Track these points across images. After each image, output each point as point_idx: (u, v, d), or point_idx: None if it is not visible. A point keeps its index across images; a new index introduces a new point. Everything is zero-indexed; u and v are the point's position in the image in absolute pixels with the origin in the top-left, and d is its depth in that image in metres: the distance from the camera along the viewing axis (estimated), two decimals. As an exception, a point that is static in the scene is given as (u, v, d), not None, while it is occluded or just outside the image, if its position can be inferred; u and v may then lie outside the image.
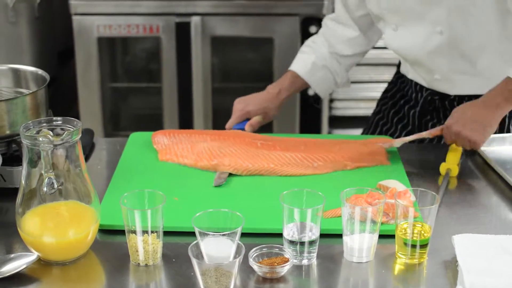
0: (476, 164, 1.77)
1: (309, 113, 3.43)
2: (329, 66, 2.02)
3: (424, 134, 1.76)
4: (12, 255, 1.31)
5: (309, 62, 2.00)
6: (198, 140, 1.78)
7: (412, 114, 2.00)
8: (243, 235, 1.30)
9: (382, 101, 2.13)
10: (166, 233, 1.36)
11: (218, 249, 1.26)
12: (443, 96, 1.91)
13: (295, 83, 2.01)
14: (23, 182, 1.31)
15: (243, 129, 1.91)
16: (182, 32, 3.19)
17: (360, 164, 1.69)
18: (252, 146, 1.75)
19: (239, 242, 1.25)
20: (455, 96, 1.88)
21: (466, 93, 1.87)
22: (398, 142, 1.76)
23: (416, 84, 1.96)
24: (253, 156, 1.70)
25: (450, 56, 1.81)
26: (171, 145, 1.76)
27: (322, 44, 2.02)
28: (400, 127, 2.05)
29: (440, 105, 1.92)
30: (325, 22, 2.06)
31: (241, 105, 1.96)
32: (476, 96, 1.81)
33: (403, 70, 2.02)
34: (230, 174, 1.65)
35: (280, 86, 2.00)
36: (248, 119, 1.95)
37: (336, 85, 2.08)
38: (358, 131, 3.34)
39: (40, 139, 1.26)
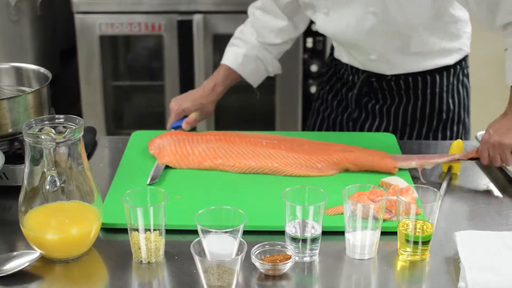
0: (478, 160, 1.77)
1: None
2: (260, 56, 2.02)
3: (458, 156, 1.66)
4: (15, 253, 1.31)
5: (241, 54, 2.00)
6: (200, 141, 1.77)
7: (350, 97, 2.02)
8: (246, 232, 1.30)
9: (320, 86, 2.15)
10: (169, 231, 1.36)
11: (220, 246, 1.26)
12: (380, 77, 1.92)
13: (229, 76, 2.01)
14: (25, 180, 1.32)
15: (180, 127, 1.90)
16: (184, 30, 3.19)
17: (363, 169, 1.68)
18: (257, 145, 1.75)
19: (242, 239, 1.25)
20: (391, 76, 1.90)
21: (402, 72, 1.90)
22: (430, 164, 1.65)
23: (352, 67, 1.97)
24: (257, 155, 1.70)
25: (385, 36, 1.82)
26: (168, 147, 1.74)
27: (251, 34, 2.02)
28: (341, 111, 2.06)
29: (377, 86, 1.94)
30: (252, 11, 2.05)
31: (176, 103, 1.95)
32: (413, 74, 1.89)
33: (337, 54, 2.02)
34: (232, 173, 1.66)
35: (214, 81, 2.00)
36: (186, 117, 1.94)
37: (268, 73, 2.08)
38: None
39: (43, 137, 1.26)
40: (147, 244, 1.31)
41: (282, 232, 1.36)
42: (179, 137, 1.78)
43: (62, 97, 3.21)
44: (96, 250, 1.37)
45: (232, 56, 2.01)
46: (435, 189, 1.37)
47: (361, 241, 1.33)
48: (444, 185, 1.62)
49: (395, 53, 1.86)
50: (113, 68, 3.48)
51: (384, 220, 1.40)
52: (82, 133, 1.31)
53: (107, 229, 1.43)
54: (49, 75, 1.69)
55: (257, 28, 2.01)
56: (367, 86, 1.95)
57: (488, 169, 1.73)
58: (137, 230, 1.30)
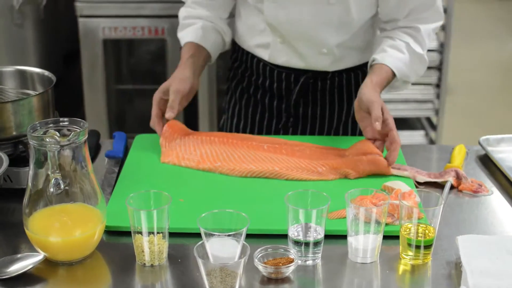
0: (481, 165, 1.78)
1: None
2: (216, 27, 1.96)
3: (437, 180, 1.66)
4: (19, 255, 1.32)
5: (198, 28, 1.92)
6: (205, 142, 1.78)
7: (277, 106, 2.00)
8: (249, 236, 1.30)
9: (234, 106, 2.07)
10: (172, 234, 1.37)
11: (223, 249, 1.26)
12: (317, 77, 1.93)
13: (195, 55, 1.89)
14: (30, 182, 1.32)
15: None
16: (187, 34, 3.19)
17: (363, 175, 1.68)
18: (258, 150, 1.76)
19: (244, 242, 1.26)
20: (332, 75, 1.93)
21: (345, 66, 1.93)
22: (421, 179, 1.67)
23: (288, 73, 1.93)
24: (258, 159, 1.71)
25: (339, 28, 1.83)
26: (174, 146, 1.76)
27: (200, 9, 1.96)
28: (267, 121, 2.04)
29: (312, 89, 1.95)
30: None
31: (179, 87, 1.80)
32: (347, 70, 1.94)
33: (273, 56, 1.92)
34: (235, 176, 1.66)
35: (189, 66, 1.86)
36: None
37: (224, 44, 2.01)
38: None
39: (47, 139, 1.27)
40: (150, 247, 1.31)
41: (284, 236, 1.36)
42: (188, 138, 1.79)
43: (65, 100, 3.21)
44: (99, 253, 1.38)
45: (190, 34, 1.93)
46: (437, 193, 1.37)
47: (364, 245, 1.34)
48: (446, 189, 1.62)
49: (344, 48, 1.88)
50: (116, 71, 3.49)
51: (387, 224, 1.41)
52: (86, 136, 1.32)
53: (110, 232, 1.43)
54: (53, 78, 1.70)
55: (203, 5, 1.96)
56: (305, 90, 1.95)
57: (491, 173, 1.73)
58: (140, 233, 1.31)
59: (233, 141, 1.78)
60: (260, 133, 2.04)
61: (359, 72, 1.96)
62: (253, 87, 2.02)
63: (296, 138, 1.87)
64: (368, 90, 1.70)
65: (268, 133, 2.03)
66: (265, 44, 1.92)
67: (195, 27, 1.94)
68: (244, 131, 2.06)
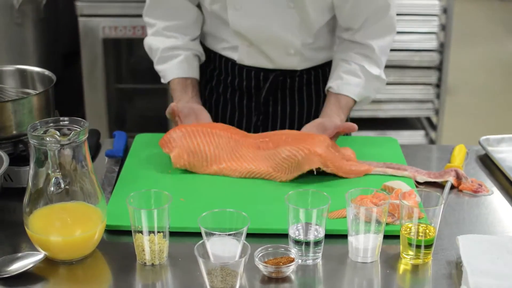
0: (481, 165, 1.78)
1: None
2: (195, 51, 1.96)
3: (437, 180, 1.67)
4: (20, 254, 1.32)
5: (182, 61, 1.92)
6: (213, 136, 1.73)
7: (247, 104, 2.00)
8: (249, 235, 1.30)
9: (203, 105, 2.00)
10: (173, 233, 1.37)
11: (224, 248, 1.26)
12: (285, 75, 1.94)
13: (187, 87, 1.92)
14: (30, 182, 1.32)
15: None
16: (187, 33, 3.19)
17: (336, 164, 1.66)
18: (256, 148, 1.74)
19: (245, 242, 1.26)
20: (300, 73, 1.94)
21: (313, 65, 1.95)
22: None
23: (257, 71, 1.93)
24: (256, 158, 1.69)
25: (301, 30, 1.85)
26: (181, 147, 1.72)
27: (175, 34, 1.94)
28: (237, 121, 2.03)
29: (281, 86, 1.95)
30: (157, 29, 1.97)
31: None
32: (321, 66, 1.97)
33: (241, 58, 1.92)
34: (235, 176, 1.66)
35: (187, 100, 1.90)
36: None
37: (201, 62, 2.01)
38: (363, 133, 3.34)
39: (47, 139, 1.27)
40: (151, 246, 1.31)
41: (285, 235, 1.36)
42: (193, 135, 1.73)
43: (65, 99, 3.21)
44: (100, 252, 1.38)
45: (175, 69, 1.93)
46: (438, 193, 1.37)
47: (364, 244, 1.34)
48: (447, 189, 1.62)
49: (309, 49, 1.91)
50: (116, 71, 3.49)
51: (387, 224, 1.41)
52: (86, 135, 1.32)
53: (111, 231, 1.43)
54: (54, 77, 1.70)
55: (176, 29, 1.95)
56: (274, 88, 1.95)
57: (492, 173, 1.73)
58: (141, 232, 1.31)
59: (236, 137, 1.74)
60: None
61: (327, 69, 1.98)
62: (222, 86, 2.02)
63: None
64: (336, 121, 1.81)
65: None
66: (233, 47, 1.93)
67: (179, 61, 1.93)
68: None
